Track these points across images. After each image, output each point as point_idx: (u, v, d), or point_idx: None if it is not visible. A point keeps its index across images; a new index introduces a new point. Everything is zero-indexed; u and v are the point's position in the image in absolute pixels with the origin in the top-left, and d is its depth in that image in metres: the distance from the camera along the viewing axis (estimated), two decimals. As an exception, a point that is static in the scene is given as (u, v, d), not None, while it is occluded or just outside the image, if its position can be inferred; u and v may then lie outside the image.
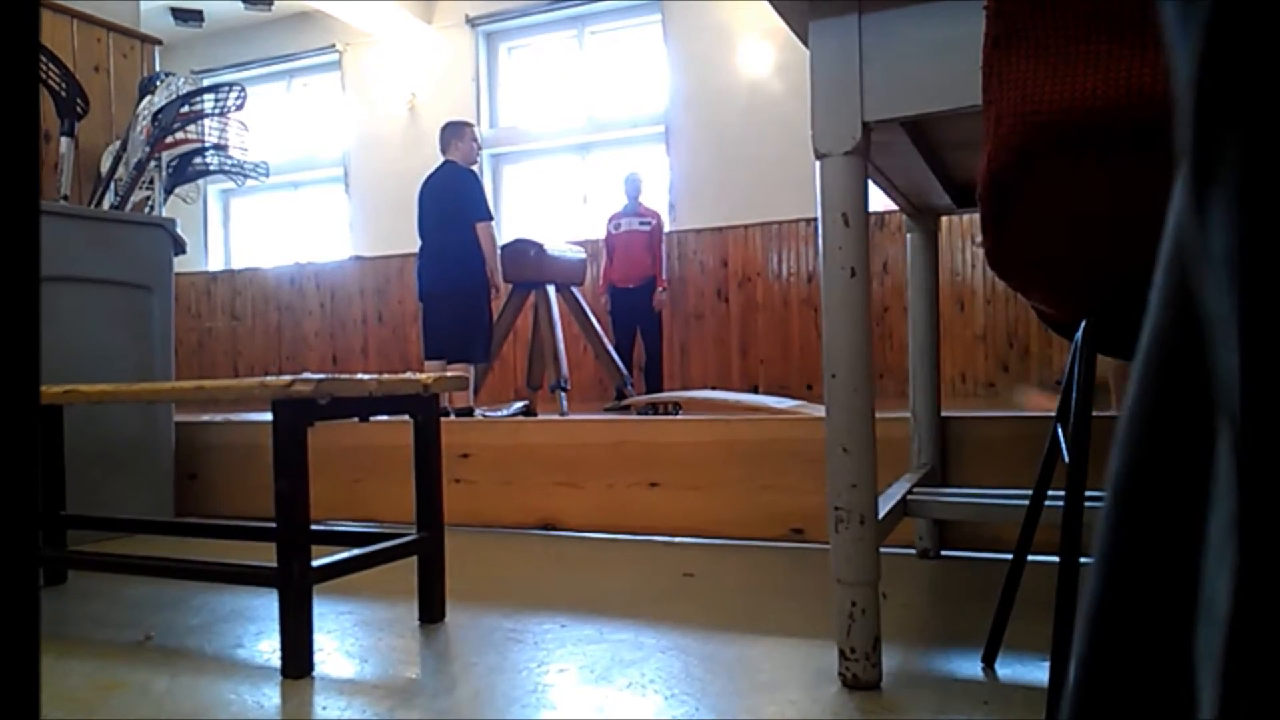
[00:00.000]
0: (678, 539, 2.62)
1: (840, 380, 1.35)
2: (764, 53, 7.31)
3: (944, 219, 2.45)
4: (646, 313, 6.17)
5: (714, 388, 6.55)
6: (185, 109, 3.16)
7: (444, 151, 4.66)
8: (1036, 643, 1.52)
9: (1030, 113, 0.86)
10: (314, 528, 1.61)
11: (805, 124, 1.39)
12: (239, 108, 3.24)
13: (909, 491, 1.91)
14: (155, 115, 3.10)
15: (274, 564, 1.53)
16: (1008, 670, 1.43)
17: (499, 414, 4.32)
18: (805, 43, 1.40)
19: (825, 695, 1.33)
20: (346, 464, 3.09)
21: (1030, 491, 1.40)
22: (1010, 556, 1.43)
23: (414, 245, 4.74)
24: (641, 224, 6.22)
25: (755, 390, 6.63)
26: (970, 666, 1.45)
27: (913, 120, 1.38)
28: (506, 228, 7.54)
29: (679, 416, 3.74)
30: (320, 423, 1.57)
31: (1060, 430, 1.26)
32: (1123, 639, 0.37)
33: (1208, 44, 0.26)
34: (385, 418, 2.04)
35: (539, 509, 2.85)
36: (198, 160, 3.31)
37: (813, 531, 2.47)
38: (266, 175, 3.53)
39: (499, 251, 4.64)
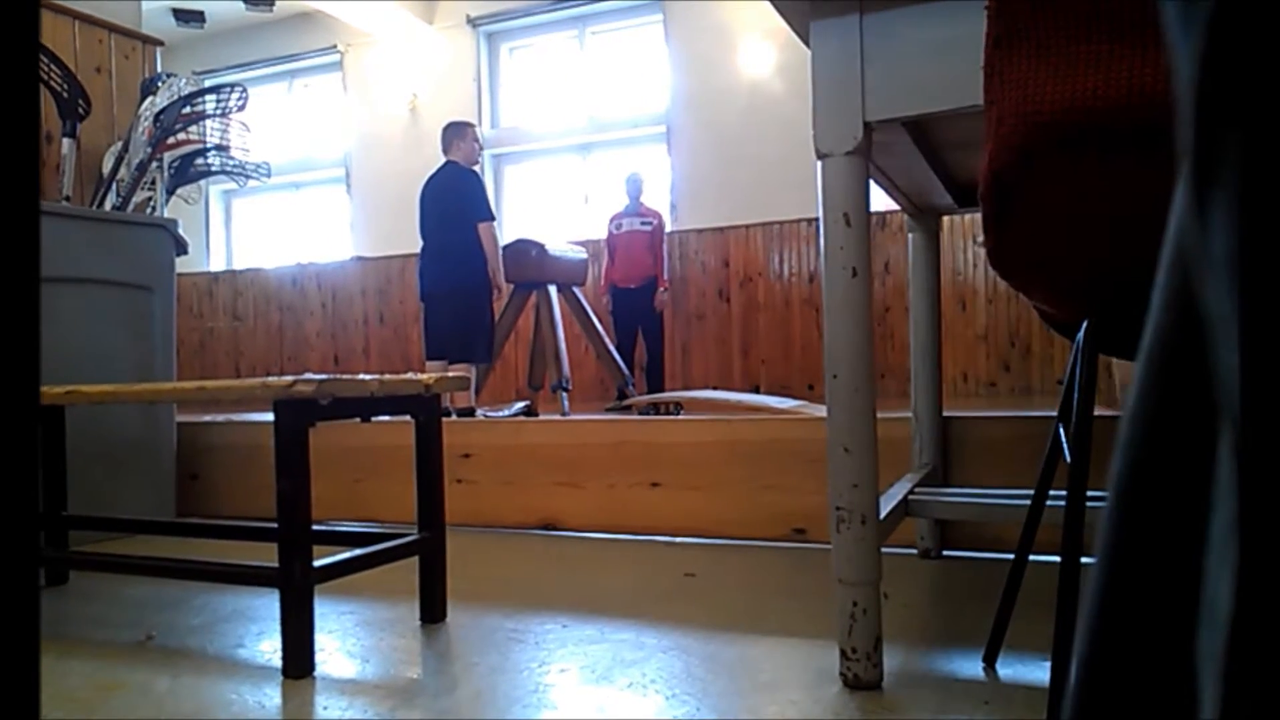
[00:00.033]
0: (679, 539, 2.62)
1: (842, 380, 1.35)
2: (765, 53, 7.31)
3: (945, 219, 2.46)
4: (648, 313, 6.16)
5: (715, 388, 6.55)
6: (187, 110, 3.17)
7: (446, 152, 4.66)
8: (1038, 643, 1.52)
9: (1031, 112, 0.86)
10: (315, 528, 1.61)
11: (806, 124, 1.39)
12: (240, 108, 3.25)
13: (910, 491, 1.91)
14: (157, 116, 3.11)
15: (275, 564, 1.54)
16: (1009, 670, 1.43)
17: (500, 414, 4.32)
18: (806, 43, 1.40)
19: (826, 695, 1.33)
20: (348, 464, 3.09)
21: (1032, 491, 1.40)
22: (1012, 556, 1.43)
23: (415, 246, 4.74)
24: (643, 224, 6.22)
25: (757, 390, 6.63)
26: (971, 666, 1.45)
27: (914, 120, 1.37)
28: (508, 228, 7.53)
29: (680, 416, 3.73)
30: (322, 423, 1.58)
31: (1062, 430, 1.26)
32: (1124, 639, 0.37)
33: (1209, 44, 0.26)
34: (387, 418, 2.05)
35: (540, 509, 2.85)
36: (199, 161, 3.31)
37: (814, 531, 2.47)
38: (268, 176, 3.54)
39: (500, 252, 4.64)
